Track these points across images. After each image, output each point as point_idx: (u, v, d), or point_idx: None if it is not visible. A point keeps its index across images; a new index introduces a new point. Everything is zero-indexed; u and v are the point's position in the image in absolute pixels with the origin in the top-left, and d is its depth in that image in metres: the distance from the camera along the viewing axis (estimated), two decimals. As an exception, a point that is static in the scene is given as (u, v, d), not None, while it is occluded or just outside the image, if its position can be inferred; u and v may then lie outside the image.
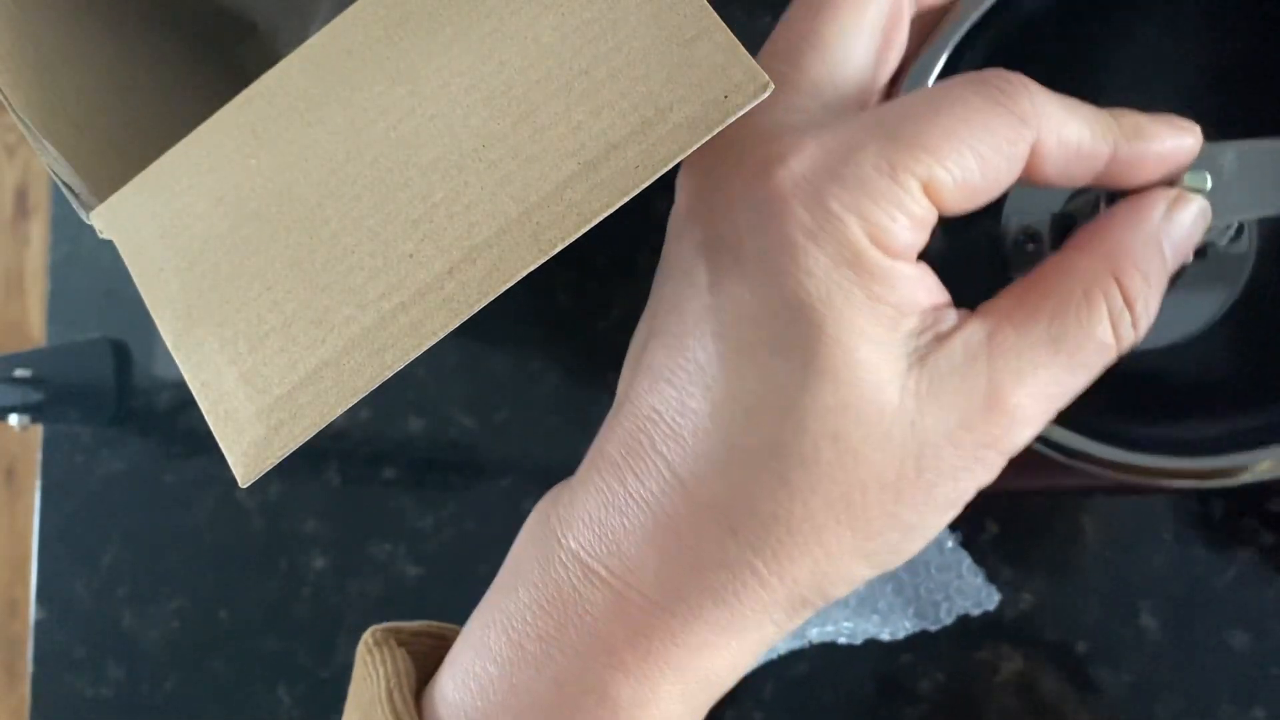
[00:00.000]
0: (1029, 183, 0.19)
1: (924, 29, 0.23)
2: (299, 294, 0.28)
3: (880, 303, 0.18)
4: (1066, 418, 0.21)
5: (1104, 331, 0.19)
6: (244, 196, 0.29)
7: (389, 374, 0.27)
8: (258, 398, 0.27)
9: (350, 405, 0.27)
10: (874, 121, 0.18)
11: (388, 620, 0.42)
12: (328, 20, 0.30)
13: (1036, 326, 0.18)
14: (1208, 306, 0.27)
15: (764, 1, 0.42)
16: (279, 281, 0.28)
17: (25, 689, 0.47)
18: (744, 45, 0.26)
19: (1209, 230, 0.21)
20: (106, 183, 0.31)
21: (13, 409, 0.44)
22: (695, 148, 0.26)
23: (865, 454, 0.18)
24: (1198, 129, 0.20)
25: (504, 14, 0.28)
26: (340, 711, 0.43)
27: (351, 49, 0.29)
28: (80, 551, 0.46)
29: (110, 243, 0.30)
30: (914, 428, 0.18)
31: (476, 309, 0.26)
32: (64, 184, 0.30)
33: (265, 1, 0.45)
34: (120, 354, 0.47)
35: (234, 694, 0.44)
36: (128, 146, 0.33)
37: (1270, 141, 0.21)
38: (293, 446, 0.27)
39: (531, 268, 0.26)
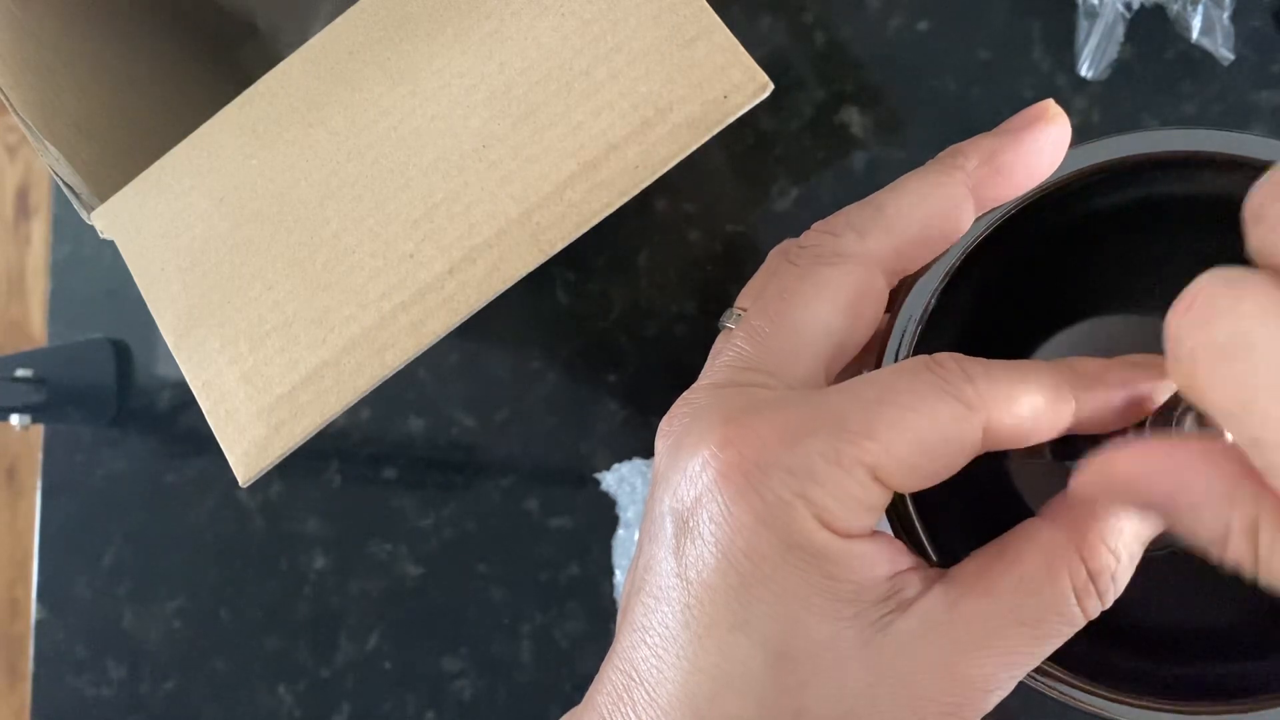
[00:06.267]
0: (997, 449, 0.19)
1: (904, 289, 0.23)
2: (300, 294, 0.28)
3: (834, 580, 0.18)
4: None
5: (1067, 605, 0.18)
6: (245, 197, 0.29)
7: (389, 374, 0.27)
8: (258, 397, 0.28)
9: (351, 405, 0.27)
10: (825, 408, 0.19)
11: (388, 620, 0.43)
12: (329, 21, 0.30)
13: (999, 597, 0.18)
14: None
15: (764, 2, 0.42)
16: (280, 281, 0.28)
17: (26, 688, 0.47)
18: (744, 46, 0.26)
19: None
20: (107, 183, 0.31)
21: (14, 409, 0.45)
22: (695, 147, 0.26)
23: None
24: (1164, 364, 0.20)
25: (504, 15, 0.28)
26: (340, 710, 0.43)
27: (352, 50, 0.29)
28: (81, 551, 0.46)
29: (111, 243, 0.30)
30: (875, 700, 0.18)
31: (476, 309, 0.26)
32: (65, 184, 0.30)
33: (266, 2, 0.45)
34: (121, 354, 0.47)
35: (235, 693, 0.44)
36: (129, 147, 0.33)
37: None
38: (293, 446, 0.27)
39: (531, 268, 0.26)
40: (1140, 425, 0.19)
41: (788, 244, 0.22)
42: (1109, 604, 0.19)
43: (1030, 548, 0.19)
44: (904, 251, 0.21)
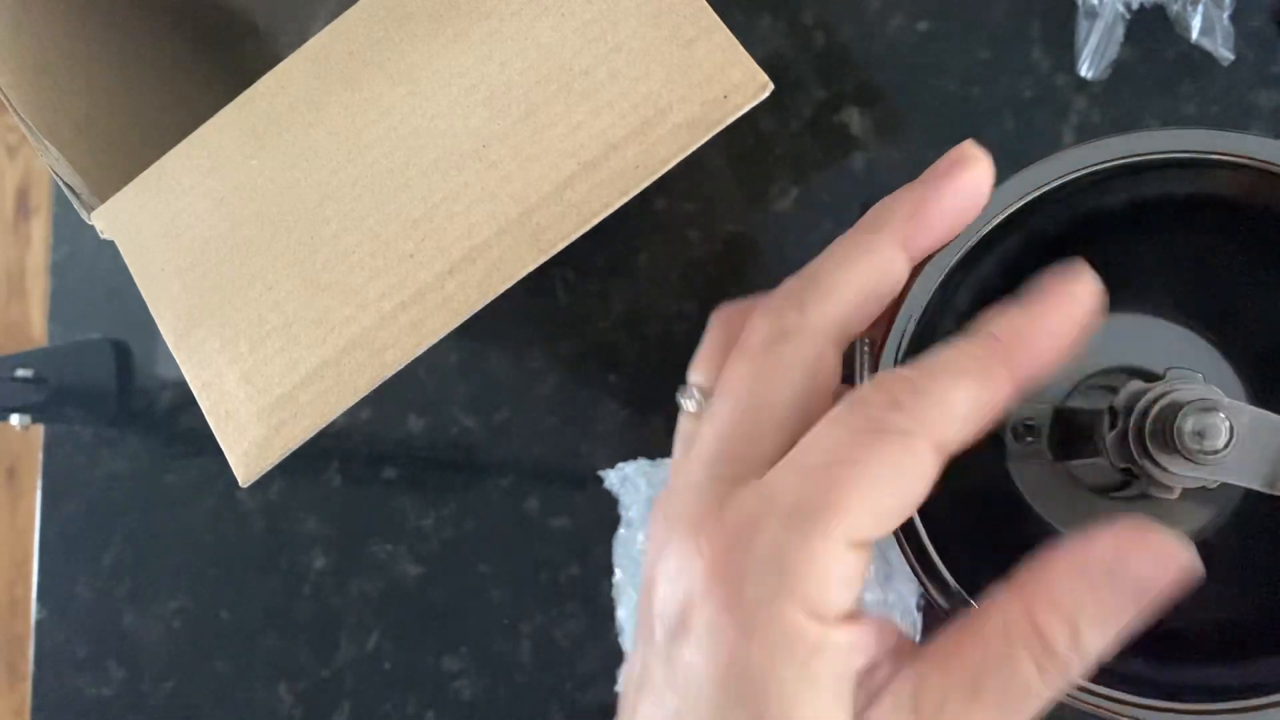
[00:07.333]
0: (957, 452, 0.19)
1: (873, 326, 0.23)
2: (300, 294, 0.28)
3: (820, 676, 0.18)
4: None
5: (1028, 677, 0.18)
6: (245, 197, 0.29)
7: (389, 373, 0.27)
8: (258, 398, 0.28)
9: (351, 405, 0.27)
10: (775, 495, 0.19)
11: (388, 620, 0.43)
12: (329, 21, 0.30)
13: (962, 674, 0.19)
14: (1193, 523, 0.27)
15: (764, 2, 0.42)
16: (280, 282, 0.28)
17: (27, 688, 0.47)
18: (743, 46, 0.26)
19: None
20: (108, 183, 0.31)
21: (14, 409, 0.45)
22: (695, 147, 0.26)
23: None
24: (1082, 271, 0.20)
25: (504, 15, 0.28)
26: (340, 710, 0.43)
27: (352, 50, 0.29)
28: (81, 551, 0.46)
29: (111, 243, 0.30)
30: None
31: (476, 309, 0.26)
32: (65, 184, 0.30)
33: (267, 2, 0.45)
34: (121, 354, 0.47)
35: (235, 693, 0.44)
36: (129, 147, 0.33)
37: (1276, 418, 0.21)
38: (293, 446, 0.27)
39: (531, 268, 0.26)
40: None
41: (726, 309, 0.23)
42: (1076, 675, 0.18)
43: (991, 620, 0.19)
44: (845, 317, 0.21)
